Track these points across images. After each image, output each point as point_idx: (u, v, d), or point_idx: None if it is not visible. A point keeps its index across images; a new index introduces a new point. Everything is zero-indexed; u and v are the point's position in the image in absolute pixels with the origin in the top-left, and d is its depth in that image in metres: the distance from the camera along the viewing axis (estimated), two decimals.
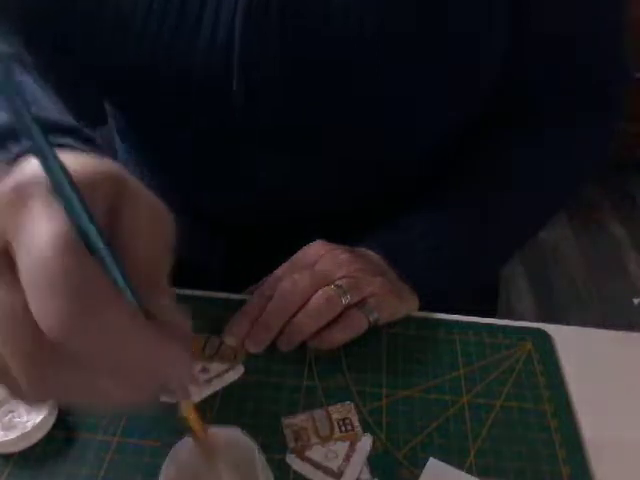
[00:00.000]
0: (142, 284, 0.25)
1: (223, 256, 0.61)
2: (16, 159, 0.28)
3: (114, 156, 0.65)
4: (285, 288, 0.44)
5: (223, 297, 0.49)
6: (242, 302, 0.46)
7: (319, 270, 0.45)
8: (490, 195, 0.53)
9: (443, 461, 0.38)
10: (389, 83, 0.47)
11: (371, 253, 0.49)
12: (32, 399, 0.25)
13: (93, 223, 0.23)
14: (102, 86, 0.53)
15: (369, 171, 0.55)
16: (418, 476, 0.37)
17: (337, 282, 0.44)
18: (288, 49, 0.45)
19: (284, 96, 0.48)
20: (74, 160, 0.25)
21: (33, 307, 0.22)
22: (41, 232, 0.22)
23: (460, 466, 0.38)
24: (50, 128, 0.34)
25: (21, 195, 0.23)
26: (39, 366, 0.23)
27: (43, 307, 0.22)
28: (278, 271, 0.47)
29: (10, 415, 0.39)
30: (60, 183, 0.23)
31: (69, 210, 0.23)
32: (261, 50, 0.45)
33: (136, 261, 0.26)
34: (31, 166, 0.24)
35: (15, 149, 0.32)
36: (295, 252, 0.48)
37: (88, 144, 0.35)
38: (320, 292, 0.43)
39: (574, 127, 0.57)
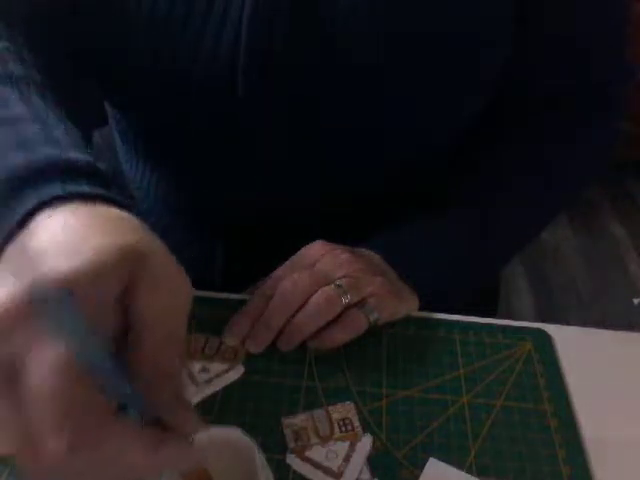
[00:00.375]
0: (149, 372, 0.26)
1: (223, 256, 0.61)
2: (23, 222, 0.27)
3: (114, 156, 0.65)
4: (285, 288, 0.44)
5: (223, 297, 0.49)
6: (242, 302, 0.46)
7: (319, 270, 0.45)
8: (490, 196, 0.53)
9: (443, 461, 0.38)
10: (389, 83, 0.47)
11: (371, 253, 0.49)
12: None
13: (101, 348, 0.24)
14: (103, 86, 0.53)
15: (369, 171, 0.55)
16: (418, 476, 0.37)
17: (337, 282, 0.44)
18: (294, 52, 0.45)
19: (287, 98, 0.48)
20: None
21: (37, 427, 0.23)
22: (50, 358, 0.23)
23: (460, 466, 0.38)
24: (64, 168, 0.31)
25: (27, 312, 0.24)
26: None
27: (47, 429, 0.23)
28: (278, 271, 0.47)
29: None
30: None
31: (76, 339, 0.23)
32: (267, 53, 0.45)
33: (146, 351, 0.26)
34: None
35: (31, 200, 0.28)
36: (295, 252, 0.48)
37: (103, 187, 0.31)
38: (320, 292, 0.43)
39: (575, 127, 0.57)
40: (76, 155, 0.32)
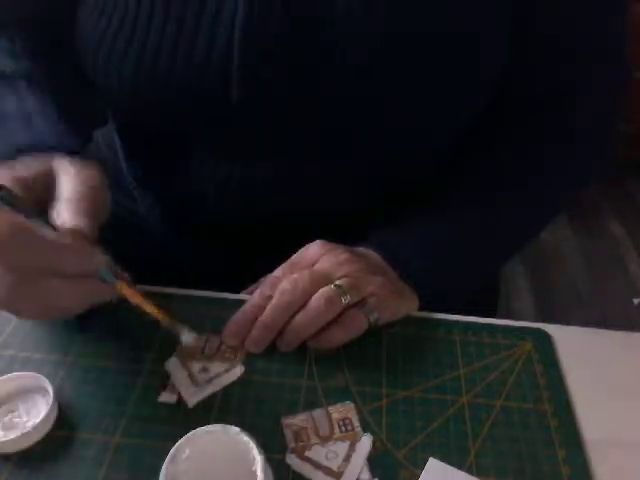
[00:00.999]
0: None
1: (223, 256, 0.61)
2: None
3: (114, 156, 0.65)
4: (285, 288, 0.44)
5: (223, 297, 0.49)
6: (242, 302, 0.46)
7: (319, 270, 0.45)
8: (490, 195, 0.53)
9: (443, 461, 0.38)
10: (389, 83, 0.47)
11: (371, 253, 0.49)
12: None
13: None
14: (102, 94, 0.53)
15: (369, 171, 0.55)
16: (418, 476, 0.37)
17: (337, 282, 0.44)
18: (289, 53, 0.45)
19: (284, 100, 0.48)
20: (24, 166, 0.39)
21: None
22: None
23: (460, 466, 0.38)
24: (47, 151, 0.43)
25: None
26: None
27: None
28: (278, 271, 0.47)
29: (10, 415, 0.39)
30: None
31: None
32: (261, 56, 0.45)
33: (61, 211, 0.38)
34: None
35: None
36: (295, 252, 0.48)
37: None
38: (320, 292, 0.43)
39: (575, 127, 0.57)
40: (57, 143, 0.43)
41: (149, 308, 0.41)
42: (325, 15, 0.44)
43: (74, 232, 0.37)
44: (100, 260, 0.37)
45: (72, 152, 0.44)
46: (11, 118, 0.46)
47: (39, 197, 0.38)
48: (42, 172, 0.39)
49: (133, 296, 0.40)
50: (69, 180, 0.38)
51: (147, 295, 0.41)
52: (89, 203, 0.38)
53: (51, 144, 0.44)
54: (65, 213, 0.37)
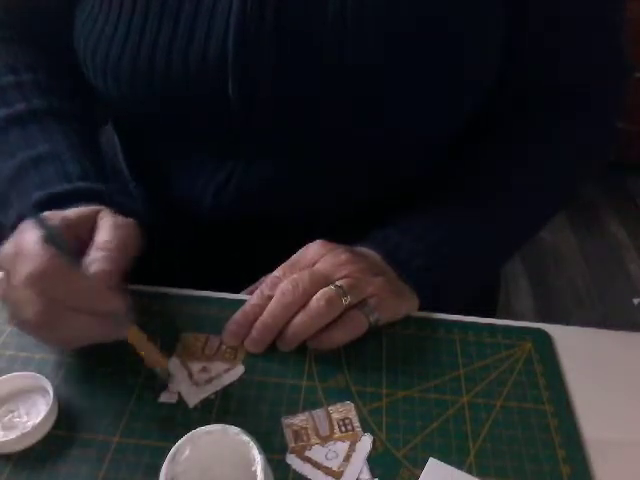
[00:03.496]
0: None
1: (223, 256, 0.61)
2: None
3: (114, 155, 0.65)
4: (285, 288, 0.44)
5: (223, 297, 0.49)
6: (242, 302, 0.46)
7: (319, 270, 0.45)
8: (490, 195, 0.53)
9: (443, 461, 0.38)
10: (389, 83, 0.47)
11: (371, 253, 0.49)
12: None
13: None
14: (101, 87, 0.53)
15: (369, 171, 0.55)
16: (418, 476, 0.37)
17: (337, 282, 0.44)
18: (284, 54, 0.45)
19: (281, 100, 0.48)
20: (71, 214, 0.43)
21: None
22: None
23: (460, 466, 0.38)
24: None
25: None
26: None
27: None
28: (278, 271, 0.47)
29: (10, 415, 0.39)
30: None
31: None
32: (256, 56, 0.45)
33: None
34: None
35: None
36: (295, 252, 0.48)
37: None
38: (320, 292, 0.43)
39: (574, 127, 0.57)
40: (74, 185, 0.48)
41: (152, 356, 0.42)
42: (317, 16, 0.44)
43: (100, 275, 0.40)
44: (118, 305, 0.40)
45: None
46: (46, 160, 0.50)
47: (78, 237, 0.43)
48: (86, 216, 0.44)
49: (138, 340, 0.42)
50: (107, 229, 0.43)
51: (154, 342, 0.42)
52: (118, 253, 0.42)
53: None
54: (96, 259, 0.41)
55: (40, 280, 0.38)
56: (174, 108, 0.50)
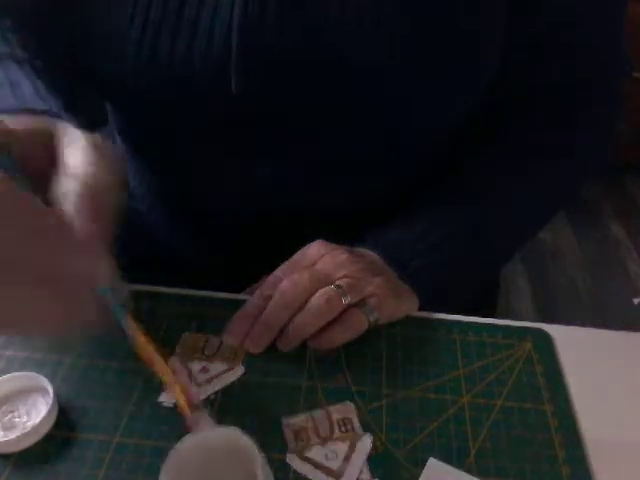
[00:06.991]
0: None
1: (223, 256, 0.61)
2: None
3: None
4: (285, 288, 0.44)
5: (223, 297, 0.49)
6: (242, 302, 0.46)
7: (319, 270, 0.45)
8: (490, 195, 0.53)
9: (443, 461, 0.38)
10: (389, 83, 0.47)
11: (371, 253, 0.49)
12: None
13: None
14: (102, 89, 0.53)
15: (369, 171, 0.55)
16: (418, 476, 0.37)
17: (337, 282, 0.44)
18: (286, 49, 0.45)
19: (283, 97, 0.48)
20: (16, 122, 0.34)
21: None
22: None
23: (460, 466, 0.38)
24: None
25: None
26: None
27: None
28: (278, 271, 0.47)
29: (10, 415, 0.39)
30: None
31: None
32: (259, 51, 0.45)
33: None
34: None
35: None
36: (295, 252, 0.48)
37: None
38: (320, 292, 0.43)
39: (574, 127, 0.57)
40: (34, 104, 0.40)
41: (148, 350, 0.36)
42: (318, 9, 0.44)
43: (77, 215, 0.29)
44: (100, 266, 0.28)
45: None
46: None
47: (26, 157, 0.31)
48: (39, 128, 0.32)
49: (133, 330, 0.35)
50: (80, 149, 0.31)
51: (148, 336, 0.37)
52: (101, 185, 0.30)
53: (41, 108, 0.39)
54: (69, 191, 0.30)
55: None
56: (176, 103, 0.49)
